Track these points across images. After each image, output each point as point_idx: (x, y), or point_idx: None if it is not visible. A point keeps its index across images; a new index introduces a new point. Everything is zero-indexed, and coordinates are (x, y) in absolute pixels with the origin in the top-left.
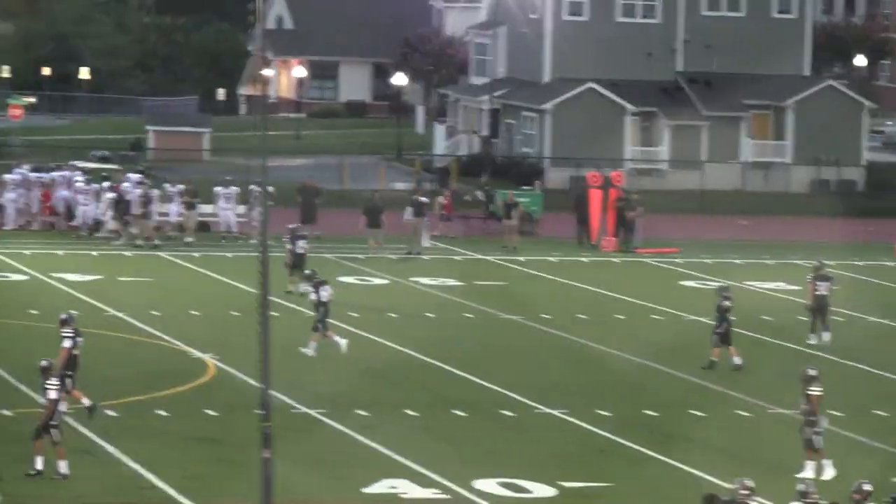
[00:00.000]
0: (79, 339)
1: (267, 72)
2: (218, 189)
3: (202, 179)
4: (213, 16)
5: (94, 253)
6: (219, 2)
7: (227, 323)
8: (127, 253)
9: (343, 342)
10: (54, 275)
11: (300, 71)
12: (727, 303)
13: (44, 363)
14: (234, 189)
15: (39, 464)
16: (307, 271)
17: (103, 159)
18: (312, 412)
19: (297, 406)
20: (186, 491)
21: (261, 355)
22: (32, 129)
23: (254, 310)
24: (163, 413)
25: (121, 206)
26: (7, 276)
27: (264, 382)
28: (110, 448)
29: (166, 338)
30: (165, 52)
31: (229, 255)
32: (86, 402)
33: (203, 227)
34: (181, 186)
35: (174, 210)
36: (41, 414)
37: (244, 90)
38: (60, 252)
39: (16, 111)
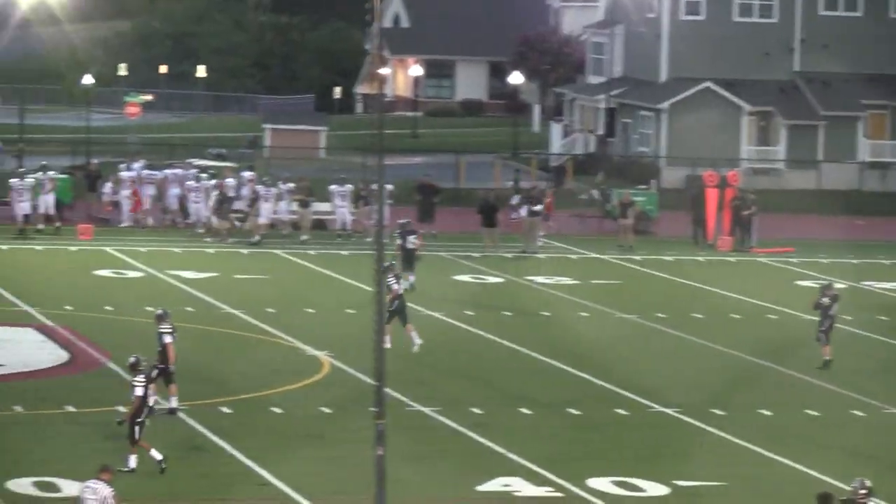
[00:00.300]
0: (175, 335)
1: (384, 70)
2: (333, 187)
3: (318, 177)
4: (329, 14)
5: (210, 251)
6: (335, 0)
7: (342, 320)
8: (243, 251)
9: (418, 341)
10: (170, 272)
11: (416, 69)
12: (825, 300)
13: (132, 360)
14: (349, 187)
15: (132, 462)
16: (385, 264)
17: (219, 157)
18: (426, 410)
19: (412, 404)
20: (300, 488)
21: (375, 353)
22: (149, 127)
23: (368, 307)
24: (277, 410)
25: (224, 204)
26: (123, 274)
27: (378, 380)
28: (225, 444)
29: (281, 335)
30: (282, 51)
31: (344, 252)
32: (174, 403)
33: (318, 225)
34: (291, 185)
35: (283, 208)
36: (129, 411)
37: (361, 88)
38: (177, 249)
39: (133, 109)
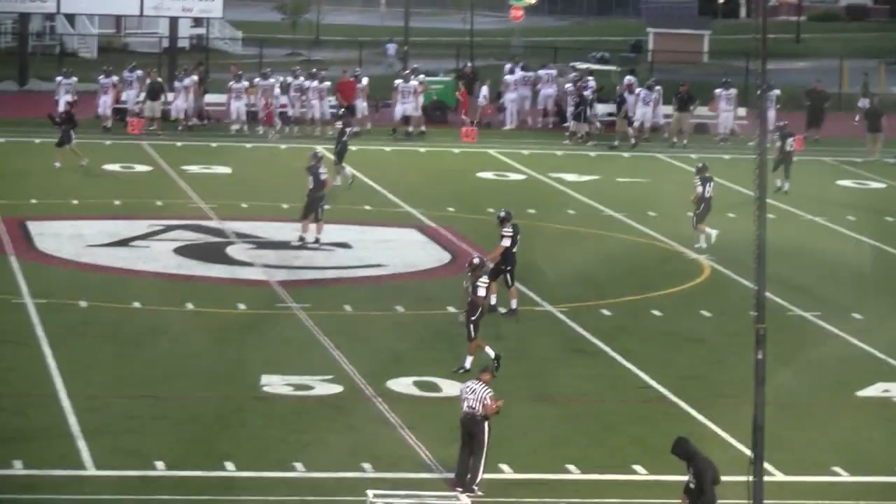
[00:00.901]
0: (518, 237)
1: None
2: (718, 91)
3: (701, 82)
4: None
5: (592, 154)
6: None
7: (724, 224)
8: (625, 154)
9: (713, 232)
10: (552, 174)
11: None
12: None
13: (475, 260)
14: (733, 91)
15: (468, 363)
16: (698, 165)
17: (602, 61)
18: (807, 315)
19: (792, 308)
20: (679, 391)
21: (756, 256)
22: (532, 30)
23: (750, 211)
24: (657, 313)
25: (581, 107)
26: (505, 176)
27: (759, 284)
28: (605, 347)
29: (663, 238)
30: None
31: (726, 157)
32: (514, 304)
33: (699, 129)
34: (658, 89)
35: (639, 113)
36: (469, 310)
37: None
38: (559, 152)
39: (517, 12)
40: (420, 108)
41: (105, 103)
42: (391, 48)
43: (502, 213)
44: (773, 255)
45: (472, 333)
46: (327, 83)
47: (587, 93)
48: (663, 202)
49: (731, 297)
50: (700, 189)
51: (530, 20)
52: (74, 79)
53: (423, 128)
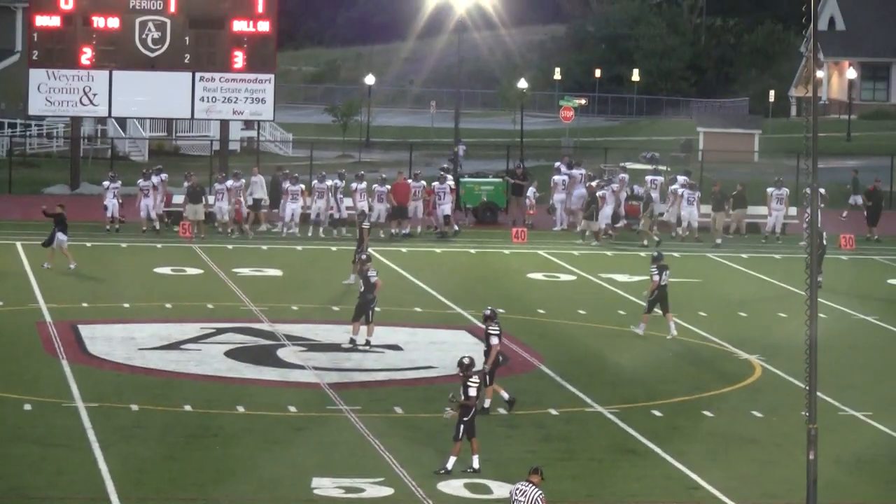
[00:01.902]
0: (500, 337)
1: (818, 73)
2: (770, 190)
3: (751, 180)
4: (764, 16)
5: (643, 254)
6: (773, 2)
7: (775, 324)
8: (675, 254)
9: (673, 331)
10: (602, 275)
11: (851, 72)
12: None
13: (465, 360)
14: (784, 190)
15: (450, 464)
16: (653, 254)
17: (652, 160)
18: (858, 414)
19: (844, 408)
20: (730, 491)
21: (808, 357)
22: (583, 131)
23: (801, 311)
24: (708, 414)
25: (592, 206)
26: (556, 277)
27: (811, 384)
28: (656, 448)
29: (713, 339)
30: (717, 54)
31: (777, 256)
32: (505, 395)
33: (751, 228)
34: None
35: (684, 213)
36: (461, 412)
37: (795, 91)
38: (609, 253)
39: (567, 113)
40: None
41: (147, 206)
42: (461, 148)
43: (487, 311)
44: (824, 353)
45: (460, 435)
46: (382, 186)
47: (601, 192)
48: (714, 302)
49: (783, 397)
50: (657, 278)
51: (580, 120)
52: (119, 182)
53: (456, 227)
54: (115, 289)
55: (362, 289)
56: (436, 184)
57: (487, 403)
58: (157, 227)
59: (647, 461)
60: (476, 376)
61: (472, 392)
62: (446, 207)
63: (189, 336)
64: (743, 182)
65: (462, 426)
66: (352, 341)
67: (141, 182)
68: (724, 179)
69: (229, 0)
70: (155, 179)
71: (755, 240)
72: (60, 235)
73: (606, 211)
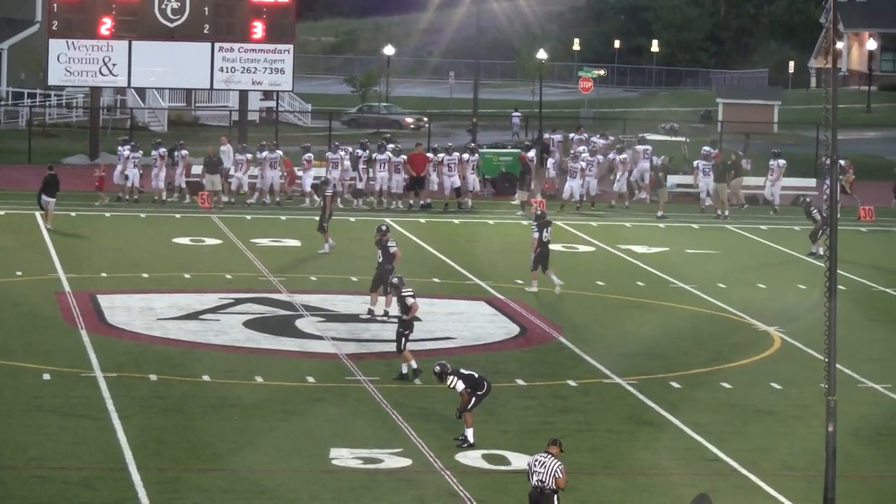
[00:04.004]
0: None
1: (838, 45)
2: (772, 163)
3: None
4: None
5: (662, 225)
6: None
7: (794, 296)
8: (694, 225)
9: (557, 282)
10: (621, 246)
11: (871, 43)
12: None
13: (437, 368)
14: (781, 161)
15: (471, 436)
16: (536, 212)
17: (671, 131)
18: (878, 387)
19: (863, 380)
20: (749, 463)
21: (827, 329)
22: (602, 102)
23: (820, 283)
24: (727, 385)
25: (526, 176)
26: (574, 248)
27: (830, 356)
28: (674, 419)
29: (732, 310)
30: (736, 25)
31: (797, 228)
32: (414, 364)
33: (751, 200)
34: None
35: (701, 184)
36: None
37: (814, 63)
38: (628, 224)
39: (586, 84)
40: (467, 180)
41: (158, 176)
42: (516, 118)
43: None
44: (844, 325)
45: (469, 406)
46: (403, 157)
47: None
48: (733, 273)
49: (801, 369)
50: (537, 234)
51: (599, 91)
52: (141, 152)
53: (469, 202)
54: (134, 259)
55: (381, 259)
56: (443, 155)
57: (405, 370)
58: (165, 197)
59: (665, 433)
60: (454, 378)
61: (459, 387)
62: (456, 179)
63: (208, 306)
64: (745, 153)
65: (474, 399)
66: (370, 312)
67: (153, 152)
68: (738, 152)
69: None
70: (161, 151)
71: (763, 210)
72: (45, 197)
73: (621, 180)
